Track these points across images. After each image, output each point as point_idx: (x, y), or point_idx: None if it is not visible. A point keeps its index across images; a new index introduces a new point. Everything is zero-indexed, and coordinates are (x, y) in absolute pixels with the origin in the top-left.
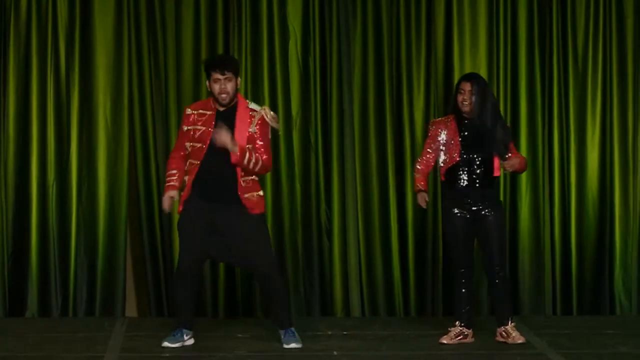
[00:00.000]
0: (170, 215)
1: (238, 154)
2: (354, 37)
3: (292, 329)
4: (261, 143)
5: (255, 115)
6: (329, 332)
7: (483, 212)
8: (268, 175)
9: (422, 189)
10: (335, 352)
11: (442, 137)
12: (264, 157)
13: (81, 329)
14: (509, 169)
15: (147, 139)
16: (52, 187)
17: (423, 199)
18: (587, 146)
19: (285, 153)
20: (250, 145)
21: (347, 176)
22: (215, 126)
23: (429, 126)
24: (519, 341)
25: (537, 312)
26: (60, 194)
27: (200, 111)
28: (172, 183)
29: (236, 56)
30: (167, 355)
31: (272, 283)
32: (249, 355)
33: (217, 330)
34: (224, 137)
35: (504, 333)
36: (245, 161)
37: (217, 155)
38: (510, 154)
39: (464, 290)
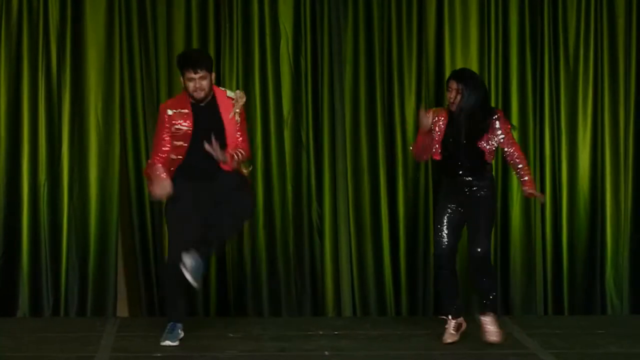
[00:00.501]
0: (162, 216)
1: (229, 162)
2: (345, 37)
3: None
4: (239, 133)
5: (235, 103)
6: (320, 332)
7: (472, 199)
8: (259, 174)
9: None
10: (326, 352)
11: (438, 124)
12: (244, 147)
13: (73, 329)
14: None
15: (138, 140)
16: (44, 187)
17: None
18: (578, 146)
19: (277, 152)
20: (241, 150)
21: (338, 175)
22: (197, 122)
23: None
24: (491, 339)
25: (529, 311)
26: (52, 194)
27: (179, 110)
28: (161, 175)
29: (227, 56)
30: (159, 355)
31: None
32: (240, 355)
33: (208, 330)
34: (217, 152)
35: (480, 320)
36: (235, 164)
37: (199, 151)
38: (505, 137)
39: (448, 286)
